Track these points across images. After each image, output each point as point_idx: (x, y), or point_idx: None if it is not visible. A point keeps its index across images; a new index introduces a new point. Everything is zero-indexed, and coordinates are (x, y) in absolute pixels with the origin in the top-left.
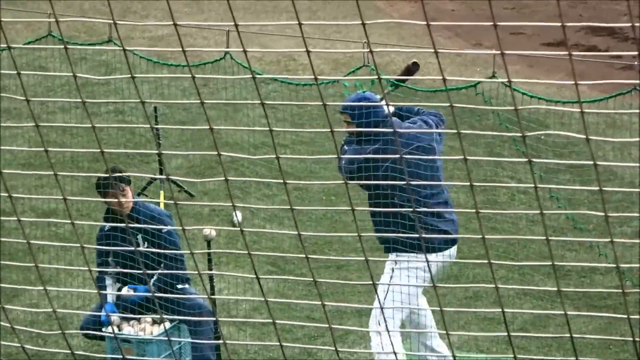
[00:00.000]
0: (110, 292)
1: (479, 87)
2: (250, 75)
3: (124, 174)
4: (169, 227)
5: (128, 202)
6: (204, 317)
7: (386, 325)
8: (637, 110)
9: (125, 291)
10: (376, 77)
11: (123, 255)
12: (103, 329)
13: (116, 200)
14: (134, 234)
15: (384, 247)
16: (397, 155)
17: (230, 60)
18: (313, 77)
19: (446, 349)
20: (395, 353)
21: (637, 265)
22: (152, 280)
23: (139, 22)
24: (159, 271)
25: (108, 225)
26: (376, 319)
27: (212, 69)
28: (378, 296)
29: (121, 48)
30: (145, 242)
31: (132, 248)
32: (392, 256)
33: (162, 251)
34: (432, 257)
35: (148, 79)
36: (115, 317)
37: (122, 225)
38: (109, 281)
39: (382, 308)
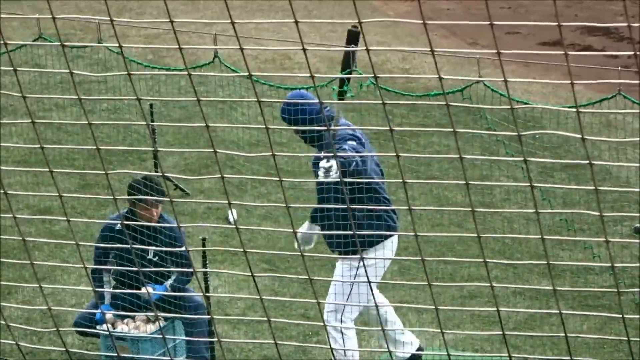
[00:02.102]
0: (107, 290)
1: (473, 87)
2: (247, 74)
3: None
4: (184, 245)
5: (155, 217)
6: (199, 315)
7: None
8: (633, 111)
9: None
10: (372, 75)
11: (126, 258)
12: (97, 327)
13: (148, 210)
14: (151, 241)
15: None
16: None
17: (227, 59)
18: (310, 75)
19: (409, 346)
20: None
21: (632, 265)
22: (168, 283)
23: (135, 20)
24: (173, 277)
25: (119, 224)
26: (337, 313)
27: (208, 67)
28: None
29: (117, 45)
30: (156, 256)
31: (137, 253)
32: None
33: (163, 253)
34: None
35: (144, 76)
36: (109, 315)
37: (144, 235)
38: (105, 278)
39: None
